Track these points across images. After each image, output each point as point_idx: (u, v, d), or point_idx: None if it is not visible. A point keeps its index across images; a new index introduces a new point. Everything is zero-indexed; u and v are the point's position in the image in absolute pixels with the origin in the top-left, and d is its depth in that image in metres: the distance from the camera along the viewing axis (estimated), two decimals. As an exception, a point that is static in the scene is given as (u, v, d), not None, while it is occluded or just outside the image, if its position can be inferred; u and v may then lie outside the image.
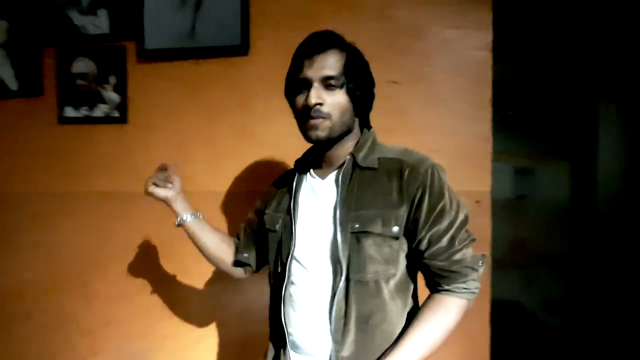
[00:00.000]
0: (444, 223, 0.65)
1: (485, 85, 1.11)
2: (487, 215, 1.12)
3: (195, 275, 1.24)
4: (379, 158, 0.71)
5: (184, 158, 1.20)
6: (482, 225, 1.11)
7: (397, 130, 1.12)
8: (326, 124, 0.67)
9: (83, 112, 1.30)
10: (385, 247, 0.66)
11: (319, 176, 0.75)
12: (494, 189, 1.17)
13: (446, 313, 0.65)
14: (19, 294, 1.35)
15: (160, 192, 0.84)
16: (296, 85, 0.69)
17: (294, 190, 0.76)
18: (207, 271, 1.22)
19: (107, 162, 1.29)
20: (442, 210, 0.65)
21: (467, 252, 0.66)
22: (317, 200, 0.73)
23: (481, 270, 0.67)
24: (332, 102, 0.66)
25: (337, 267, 0.67)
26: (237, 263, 0.91)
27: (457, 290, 0.65)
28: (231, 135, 1.21)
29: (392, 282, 0.68)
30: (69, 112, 1.30)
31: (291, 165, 0.86)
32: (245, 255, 0.89)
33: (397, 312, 0.68)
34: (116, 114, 1.27)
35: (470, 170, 1.12)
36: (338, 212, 0.68)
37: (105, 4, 1.26)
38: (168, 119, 1.24)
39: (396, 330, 0.68)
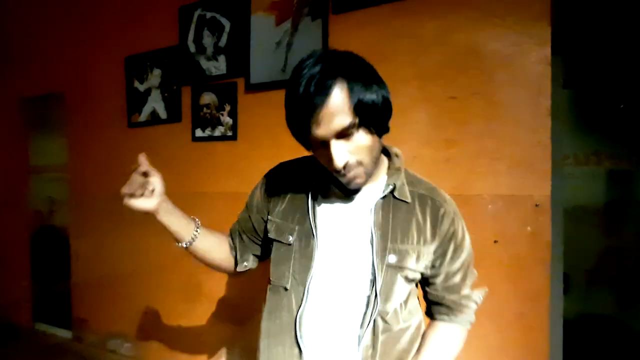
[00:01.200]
0: (460, 260, 0.72)
1: (544, 96, 1.17)
2: (547, 218, 1.18)
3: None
4: (411, 191, 0.70)
5: (278, 166, 1.54)
6: (541, 228, 1.18)
7: (459, 140, 1.26)
8: (360, 171, 0.63)
9: (207, 132, 1.74)
10: (410, 280, 0.70)
11: (346, 196, 0.70)
12: (583, 195, 1.19)
13: (455, 343, 0.75)
14: (146, 270, 1.87)
15: (140, 204, 0.65)
16: (310, 143, 0.63)
17: (311, 204, 0.71)
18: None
19: (223, 169, 1.71)
20: (462, 249, 0.72)
21: (473, 287, 0.76)
22: (346, 222, 0.69)
23: (480, 303, 0.76)
24: (358, 149, 0.60)
25: (370, 296, 0.66)
26: (237, 274, 0.86)
27: (462, 322, 0.75)
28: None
29: (408, 307, 0.72)
30: (198, 132, 1.76)
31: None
32: (245, 264, 0.84)
33: (409, 336, 0.72)
34: (230, 133, 1.68)
35: (530, 176, 1.19)
36: (375, 240, 0.66)
37: (224, 51, 1.68)
38: (267, 136, 1.60)
39: (409, 354, 0.72)
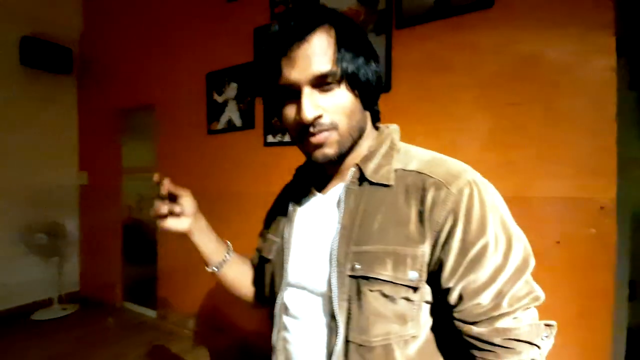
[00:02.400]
0: (486, 270, 0.46)
1: (609, 101, 1.20)
2: (612, 221, 1.20)
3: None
4: (396, 170, 0.52)
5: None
6: (606, 231, 1.20)
7: (520, 145, 1.33)
8: (333, 137, 0.50)
9: (277, 138, 1.96)
10: (400, 299, 0.48)
11: (320, 192, 0.59)
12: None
13: None
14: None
15: (172, 225, 0.64)
16: (278, 93, 0.52)
17: (291, 208, 0.61)
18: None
19: (291, 170, 1.91)
20: (484, 249, 0.46)
21: (524, 318, 0.46)
22: (315, 224, 0.57)
23: (546, 345, 0.49)
24: (334, 107, 0.49)
25: (332, 323, 0.50)
26: (257, 305, 0.77)
27: None
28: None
29: (412, 347, 0.48)
30: (270, 138, 1.99)
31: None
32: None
33: None
34: (298, 139, 1.88)
35: (594, 178, 1.22)
36: (334, 245, 0.51)
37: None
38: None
39: None
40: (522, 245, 0.49)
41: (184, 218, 0.64)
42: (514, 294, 0.46)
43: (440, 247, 0.48)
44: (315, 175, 0.62)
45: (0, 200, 2.67)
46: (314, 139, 0.50)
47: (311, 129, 0.50)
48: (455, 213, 0.47)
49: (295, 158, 1.88)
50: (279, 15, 0.54)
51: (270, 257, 0.65)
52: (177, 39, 2.46)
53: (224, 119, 2.18)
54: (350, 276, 0.49)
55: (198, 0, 2.32)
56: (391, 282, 0.48)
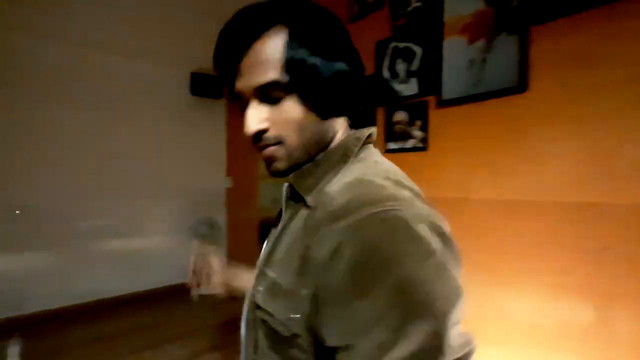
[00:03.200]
0: (371, 336, 0.34)
1: None
2: None
3: (513, 287, 1.52)
4: (329, 185, 0.45)
5: (471, 175, 1.67)
6: None
7: None
8: (280, 152, 0.47)
9: (399, 145, 2.03)
10: (290, 349, 0.40)
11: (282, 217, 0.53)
12: None
13: None
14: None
15: (207, 292, 0.67)
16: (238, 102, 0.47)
17: (274, 226, 0.56)
18: (526, 285, 1.48)
19: (414, 176, 1.95)
20: (369, 309, 0.34)
21: None
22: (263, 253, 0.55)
23: None
24: (282, 122, 0.45)
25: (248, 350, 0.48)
26: None
27: None
28: (509, 157, 1.56)
29: None
30: (391, 145, 2.08)
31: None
32: None
33: None
34: (420, 145, 1.92)
35: None
36: (258, 265, 0.50)
37: (415, 74, 1.94)
38: (457, 146, 1.75)
39: None
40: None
41: (212, 282, 0.70)
42: None
43: (318, 301, 0.38)
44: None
45: (172, 199, 3.49)
46: (262, 154, 0.48)
47: (256, 144, 0.47)
48: (336, 251, 0.37)
49: (417, 164, 1.95)
50: (234, 14, 0.45)
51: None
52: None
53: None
54: (256, 302, 0.47)
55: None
56: (281, 320, 0.41)
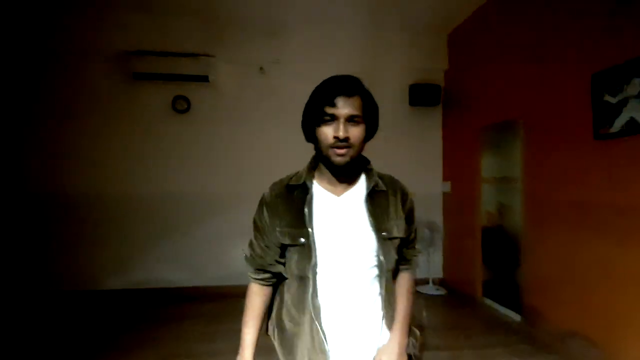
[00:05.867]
0: (414, 225, 1.00)
1: None
2: None
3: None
4: (384, 183, 0.96)
5: None
6: None
7: None
8: (349, 152, 0.84)
9: None
10: (397, 245, 0.93)
11: (332, 193, 0.92)
12: None
13: (413, 282, 1.00)
14: None
15: None
16: (320, 116, 0.83)
17: (309, 204, 0.90)
18: None
19: None
20: (414, 216, 0.99)
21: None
22: (341, 215, 0.90)
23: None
24: (354, 135, 0.84)
25: (381, 266, 0.89)
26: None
27: (414, 269, 1.02)
28: None
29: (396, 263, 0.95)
30: None
31: None
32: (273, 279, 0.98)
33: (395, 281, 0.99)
34: None
35: None
36: (370, 224, 0.89)
37: None
38: None
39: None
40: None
41: None
42: (417, 235, 1.07)
43: (408, 218, 0.96)
44: (322, 183, 0.94)
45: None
46: (338, 150, 0.83)
47: (338, 143, 0.83)
48: (411, 203, 0.98)
49: None
50: (336, 77, 0.88)
51: (298, 242, 0.88)
52: (552, 45, 2.49)
53: (619, 122, 1.95)
54: (384, 238, 0.89)
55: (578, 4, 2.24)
56: (397, 237, 0.92)
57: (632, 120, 1.89)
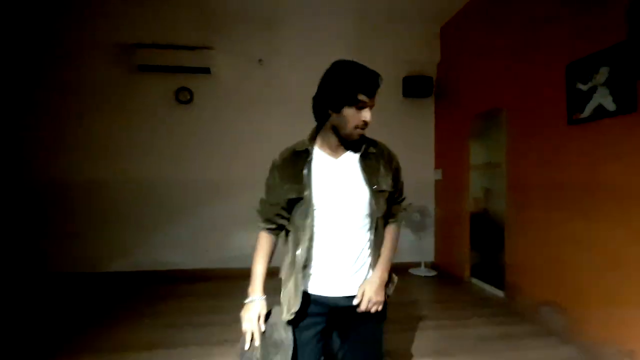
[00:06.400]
0: (401, 182, 1.19)
1: None
2: None
3: None
4: (373, 146, 1.13)
5: None
6: None
7: None
8: (364, 130, 1.05)
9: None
10: (386, 198, 1.10)
11: (331, 156, 1.09)
12: None
13: (398, 235, 1.19)
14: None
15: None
16: (353, 101, 0.98)
17: (308, 165, 1.07)
18: None
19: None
20: (400, 175, 1.18)
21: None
22: (340, 172, 1.08)
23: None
24: (371, 117, 1.03)
25: (371, 212, 1.07)
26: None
27: (400, 222, 1.20)
28: None
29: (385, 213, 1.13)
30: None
31: None
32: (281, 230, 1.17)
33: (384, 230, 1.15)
34: None
35: None
36: (364, 179, 1.07)
37: None
38: None
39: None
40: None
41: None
42: (403, 191, 1.23)
43: (394, 176, 1.14)
44: (323, 148, 1.10)
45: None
46: (359, 131, 1.03)
47: (362, 126, 1.02)
48: (397, 163, 1.16)
49: None
50: (369, 70, 1.00)
51: (302, 195, 1.05)
52: (532, 38, 2.65)
53: (589, 107, 2.12)
54: (375, 191, 1.07)
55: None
56: (387, 190, 1.10)
57: (600, 106, 2.06)
